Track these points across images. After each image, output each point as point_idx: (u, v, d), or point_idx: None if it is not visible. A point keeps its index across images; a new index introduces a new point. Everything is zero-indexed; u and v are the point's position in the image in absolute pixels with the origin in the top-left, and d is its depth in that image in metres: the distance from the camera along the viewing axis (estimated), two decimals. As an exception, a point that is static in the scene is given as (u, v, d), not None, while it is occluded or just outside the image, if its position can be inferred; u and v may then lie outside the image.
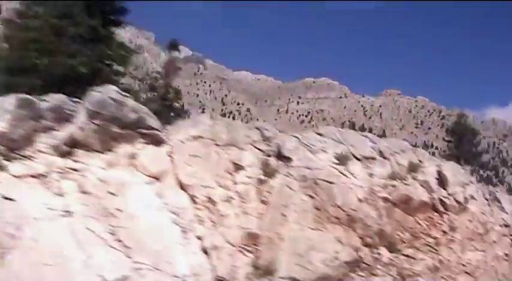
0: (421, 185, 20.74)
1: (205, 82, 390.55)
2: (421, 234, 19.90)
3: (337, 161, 19.53)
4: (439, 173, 21.81)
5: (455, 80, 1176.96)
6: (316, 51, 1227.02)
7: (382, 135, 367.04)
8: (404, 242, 19.22)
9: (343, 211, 17.94)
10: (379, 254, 18.13)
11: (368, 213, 18.53)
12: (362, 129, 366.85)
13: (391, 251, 18.44)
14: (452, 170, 22.70)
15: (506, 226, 23.46)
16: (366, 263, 17.63)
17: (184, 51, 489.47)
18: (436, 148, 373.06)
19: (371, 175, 19.98)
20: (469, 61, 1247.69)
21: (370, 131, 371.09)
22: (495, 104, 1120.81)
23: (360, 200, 18.60)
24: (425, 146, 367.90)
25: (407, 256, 18.86)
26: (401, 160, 21.46)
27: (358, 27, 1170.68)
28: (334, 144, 20.29)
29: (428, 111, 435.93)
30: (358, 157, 20.46)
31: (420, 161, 22.29)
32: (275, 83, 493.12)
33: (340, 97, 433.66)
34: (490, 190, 26.52)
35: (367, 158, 20.67)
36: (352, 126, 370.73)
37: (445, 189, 21.33)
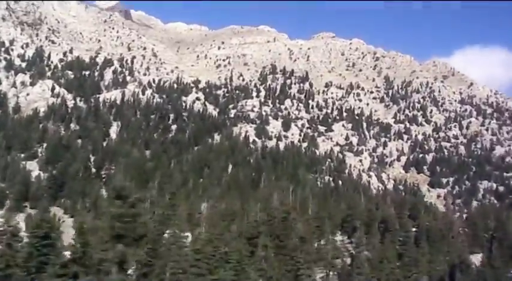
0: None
1: (113, 28, 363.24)
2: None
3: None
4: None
5: (402, 27, 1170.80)
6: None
7: (305, 77, 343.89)
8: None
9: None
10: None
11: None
12: (284, 72, 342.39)
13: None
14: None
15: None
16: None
17: (111, 2, 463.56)
18: (362, 89, 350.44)
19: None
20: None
21: (292, 73, 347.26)
22: (438, 53, 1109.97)
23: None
24: (351, 87, 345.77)
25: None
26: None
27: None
28: None
29: (362, 53, 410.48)
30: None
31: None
32: (205, 32, 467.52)
33: (268, 41, 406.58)
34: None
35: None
36: (273, 69, 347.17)
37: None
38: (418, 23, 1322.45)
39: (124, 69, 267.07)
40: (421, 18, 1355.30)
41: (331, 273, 63.93)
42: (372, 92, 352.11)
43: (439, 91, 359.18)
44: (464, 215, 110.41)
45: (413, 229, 78.54)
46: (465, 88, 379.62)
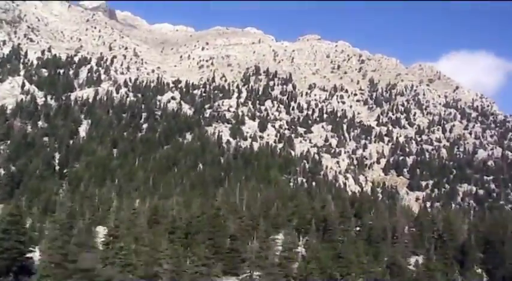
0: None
1: (95, 28, 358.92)
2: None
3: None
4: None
5: (390, 32, 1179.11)
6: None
7: (288, 79, 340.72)
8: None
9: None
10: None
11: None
12: (267, 73, 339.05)
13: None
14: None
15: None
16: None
17: (97, 2, 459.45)
18: (346, 91, 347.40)
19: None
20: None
21: (275, 75, 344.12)
22: (425, 58, 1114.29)
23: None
24: (335, 90, 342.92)
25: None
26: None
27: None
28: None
29: (348, 55, 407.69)
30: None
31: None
32: (190, 33, 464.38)
33: (253, 43, 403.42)
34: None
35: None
36: (257, 70, 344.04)
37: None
38: (405, 28, 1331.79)
39: (100, 68, 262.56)
40: (407, 23, 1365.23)
41: (255, 273, 60.43)
42: (355, 95, 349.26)
43: (424, 94, 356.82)
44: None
45: (357, 228, 75.17)
46: (451, 92, 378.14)
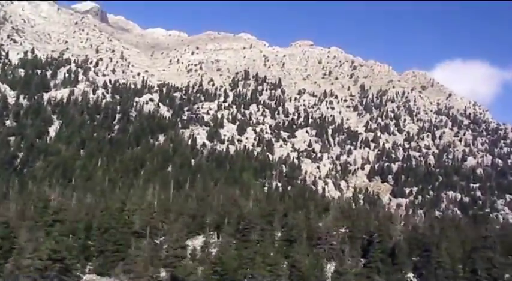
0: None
1: (83, 30, 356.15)
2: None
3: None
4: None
5: (384, 41, 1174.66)
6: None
7: (277, 84, 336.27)
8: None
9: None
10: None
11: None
12: (256, 78, 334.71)
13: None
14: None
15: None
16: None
17: (89, 5, 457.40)
18: (336, 97, 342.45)
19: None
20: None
21: (265, 80, 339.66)
22: (419, 66, 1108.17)
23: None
24: (324, 95, 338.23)
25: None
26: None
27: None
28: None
29: (340, 62, 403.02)
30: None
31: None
32: (182, 37, 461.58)
33: (244, 48, 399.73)
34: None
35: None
36: (246, 75, 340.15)
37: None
38: (399, 37, 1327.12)
39: (79, 70, 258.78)
40: (402, 32, 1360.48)
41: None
42: (345, 101, 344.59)
43: (415, 101, 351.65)
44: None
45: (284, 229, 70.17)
46: (443, 99, 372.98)
